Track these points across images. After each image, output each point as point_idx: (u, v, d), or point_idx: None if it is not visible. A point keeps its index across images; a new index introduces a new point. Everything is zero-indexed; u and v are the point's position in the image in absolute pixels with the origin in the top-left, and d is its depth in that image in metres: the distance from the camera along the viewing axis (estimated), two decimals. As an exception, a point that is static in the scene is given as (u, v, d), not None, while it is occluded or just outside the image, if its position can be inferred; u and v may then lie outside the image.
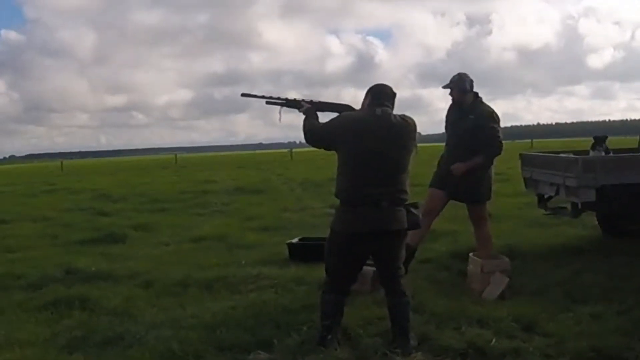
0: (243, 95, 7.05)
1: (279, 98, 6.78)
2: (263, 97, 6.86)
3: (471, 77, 8.56)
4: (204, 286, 8.53)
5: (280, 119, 6.86)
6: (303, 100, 6.63)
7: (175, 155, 76.95)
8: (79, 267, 9.92)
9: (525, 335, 6.18)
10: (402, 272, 6.13)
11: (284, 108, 6.76)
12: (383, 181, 5.84)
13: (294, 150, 72.53)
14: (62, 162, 72.01)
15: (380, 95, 6.12)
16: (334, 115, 6.37)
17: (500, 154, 8.48)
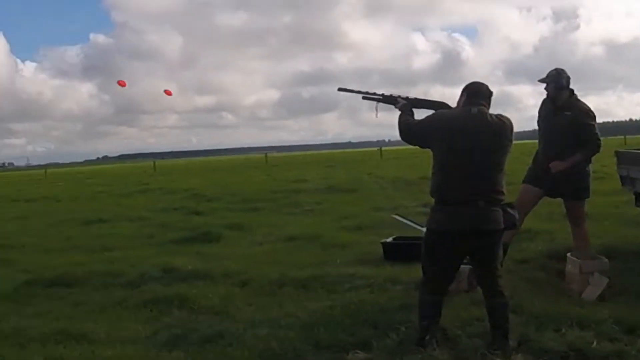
0: (340, 89, 7.08)
1: (374, 93, 6.77)
2: (359, 92, 6.87)
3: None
4: (300, 285, 8.59)
5: (377, 115, 6.86)
6: (399, 96, 6.60)
7: (266, 154, 77.45)
8: (176, 266, 10.08)
9: (627, 338, 6.02)
10: (500, 272, 6.05)
11: (380, 104, 6.76)
12: (478, 180, 5.78)
13: (383, 148, 72.31)
14: (154, 162, 73.10)
15: (476, 93, 6.05)
16: (428, 112, 6.34)
17: (599, 152, 8.36)
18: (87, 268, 10.51)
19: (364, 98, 6.84)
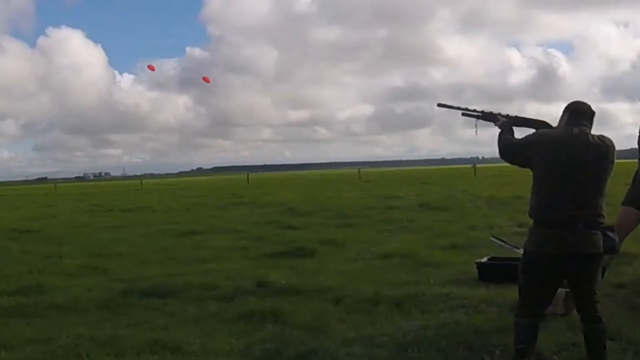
0: (439, 105, 7.05)
1: (474, 110, 6.71)
2: (459, 108, 6.82)
3: None
4: (394, 304, 8.51)
5: (476, 132, 6.79)
6: (499, 113, 6.53)
7: (359, 169, 77.58)
8: (270, 280, 10.12)
9: None
10: (598, 298, 5.92)
11: (479, 121, 6.69)
12: (578, 202, 5.65)
13: (477, 165, 71.78)
14: (248, 175, 73.84)
15: (578, 113, 5.94)
16: (528, 130, 6.26)
17: None
18: (182, 279, 10.65)
19: (463, 114, 6.79)
